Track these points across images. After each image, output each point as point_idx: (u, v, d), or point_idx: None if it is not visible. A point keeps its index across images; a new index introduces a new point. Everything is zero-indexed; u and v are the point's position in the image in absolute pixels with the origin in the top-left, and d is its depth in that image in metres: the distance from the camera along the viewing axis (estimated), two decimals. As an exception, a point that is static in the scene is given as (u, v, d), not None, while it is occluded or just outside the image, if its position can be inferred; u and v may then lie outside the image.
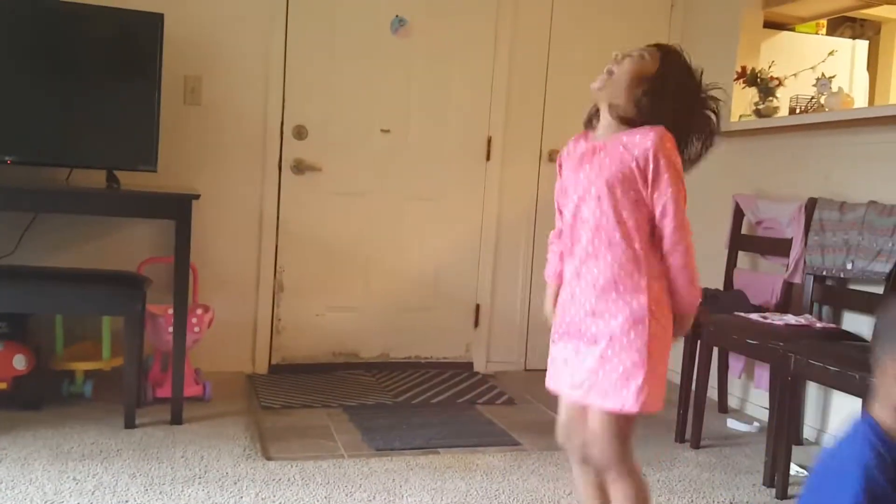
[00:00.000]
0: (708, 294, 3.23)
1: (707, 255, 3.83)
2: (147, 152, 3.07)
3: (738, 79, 3.61)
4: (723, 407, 3.53)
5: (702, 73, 1.79)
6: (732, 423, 3.35)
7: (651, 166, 1.64)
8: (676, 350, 3.26)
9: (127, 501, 2.22)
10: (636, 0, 4.13)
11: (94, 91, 3.05)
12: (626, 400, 1.66)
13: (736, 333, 2.87)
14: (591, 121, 1.81)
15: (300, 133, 3.67)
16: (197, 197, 2.91)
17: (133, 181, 3.07)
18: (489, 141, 3.96)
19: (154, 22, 3.07)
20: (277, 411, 3.15)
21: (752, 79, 3.55)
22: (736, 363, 3.50)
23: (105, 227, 3.40)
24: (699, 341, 3.05)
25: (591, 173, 1.70)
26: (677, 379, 3.13)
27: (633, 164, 1.65)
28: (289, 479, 2.46)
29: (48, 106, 3.02)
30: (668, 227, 1.67)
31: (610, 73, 1.73)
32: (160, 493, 2.29)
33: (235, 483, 2.40)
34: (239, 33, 3.54)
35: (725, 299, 3.20)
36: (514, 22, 3.93)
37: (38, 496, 2.21)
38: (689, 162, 1.76)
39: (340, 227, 3.78)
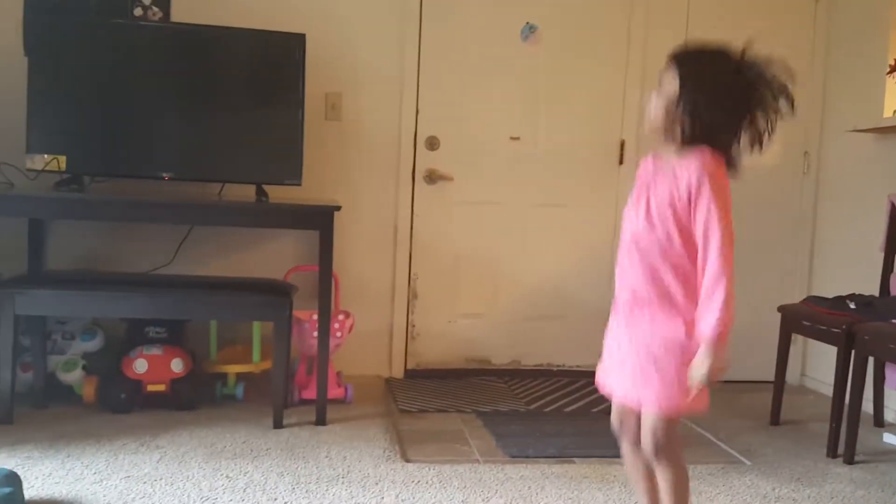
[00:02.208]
0: (862, 301, 3.05)
1: (859, 260, 3.63)
2: (293, 167, 3.21)
3: (891, 72, 3.39)
4: (878, 420, 3.33)
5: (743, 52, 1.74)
6: (889, 438, 3.15)
7: (693, 197, 1.68)
8: (829, 360, 3.11)
9: (276, 499, 2.32)
10: (777, -5, 3.97)
11: (242, 110, 3.23)
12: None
13: (893, 342, 2.69)
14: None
15: (432, 144, 3.75)
16: (339, 208, 3.03)
17: (278, 194, 3.23)
18: (622, 144, 3.90)
19: (297, 42, 3.22)
20: (414, 415, 3.22)
21: (907, 71, 3.33)
22: (893, 374, 3.28)
23: (254, 238, 3.60)
24: (853, 351, 2.88)
25: (651, 199, 1.78)
26: (829, 391, 2.97)
27: (679, 194, 1.71)
28: (427, 482, 2.51)
29: (201, 126, 3.22)
30: (711, 254, 1.68)
31: (648, 116, 1.81)
32: (306, 491, 2.39)
33: (377, 484, 2.48)
34: (375, 50, 3.66)
35: (881, 306, 3.01)
36: (646, 23, 3.86)
37: (194, 492, 2.35)
38: (758, 143, 1.74)
39: (471, 235, 3.83)
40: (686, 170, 1.70)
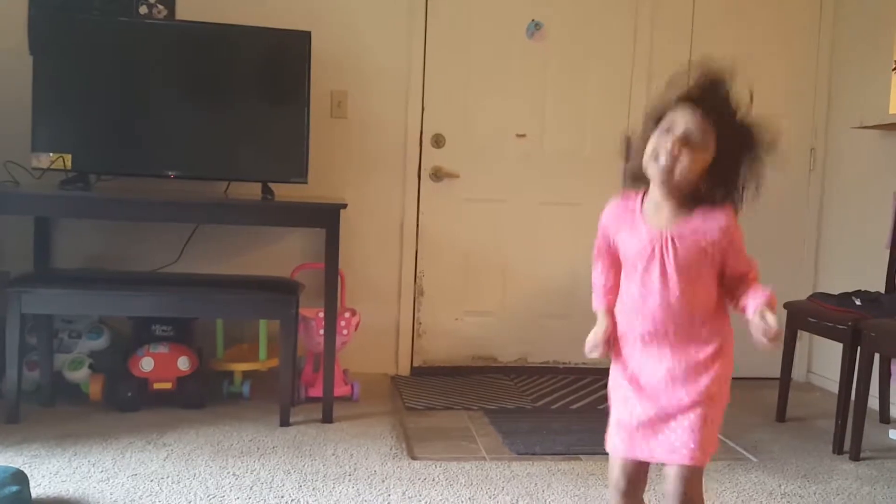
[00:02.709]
0: (868, 297, 3.04)
1: (865, 257, 3.62)
2: (298, 165, 3.21)
3: (897, 68, 3.39)
4: (884, 417, 3.33)
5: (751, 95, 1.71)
6: (895, 435, 3.15)
7: (727, 250, 1.68)
8: (835, 357, 3.10)
9: (282, 497, 2.32)
10: (783, -12, 3.96)
11: (247, 108, 3.23)
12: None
13: (900, 340, 2.69)
14: (636, 179, 1.75)
15: (438, 141, 3.75)
16: (345, 206, 3.03)
17: (284, 192, 3.23)
18: (628, 140, 3.89)
19: (302, 40, 3.22)
20: (420, 412, 3.23)
21: (913, 67, 3.32)
22: (900, 371, 3.28)
23: (260, 236, 3.60)
24: (859, 347, 2.88)
25: (664, 264, 1.68)
26: (835, 388, 2.97)
27: (706, 250, 1.67)
28: (433, 479, 2.51)
29: (206, 124, 3.22)
30: (751, 275, 1.70)
31: (670, 170, 1.64)
32: (313, 489, 2.39)
33: (383, 481, 2.48)
34: (381, 47, 3.66)
35: (887, 302, 3.00)
36: (653, 18, 3.85)
37: (200, 490, 2.35)
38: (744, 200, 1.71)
39: (478, 233, 3.83)
40: (714, 222, 1.66)
